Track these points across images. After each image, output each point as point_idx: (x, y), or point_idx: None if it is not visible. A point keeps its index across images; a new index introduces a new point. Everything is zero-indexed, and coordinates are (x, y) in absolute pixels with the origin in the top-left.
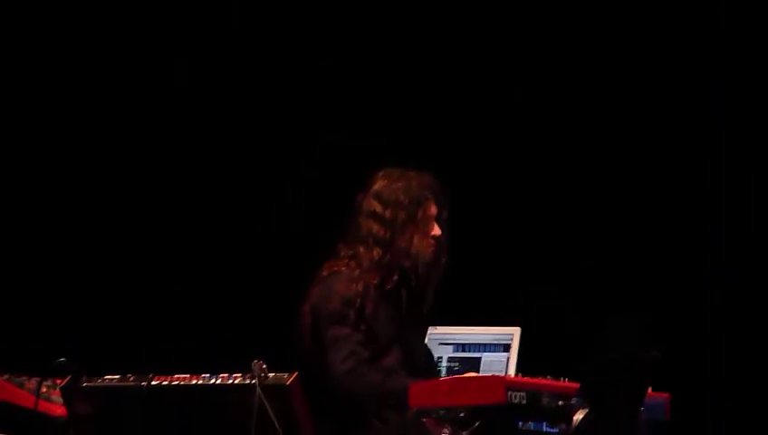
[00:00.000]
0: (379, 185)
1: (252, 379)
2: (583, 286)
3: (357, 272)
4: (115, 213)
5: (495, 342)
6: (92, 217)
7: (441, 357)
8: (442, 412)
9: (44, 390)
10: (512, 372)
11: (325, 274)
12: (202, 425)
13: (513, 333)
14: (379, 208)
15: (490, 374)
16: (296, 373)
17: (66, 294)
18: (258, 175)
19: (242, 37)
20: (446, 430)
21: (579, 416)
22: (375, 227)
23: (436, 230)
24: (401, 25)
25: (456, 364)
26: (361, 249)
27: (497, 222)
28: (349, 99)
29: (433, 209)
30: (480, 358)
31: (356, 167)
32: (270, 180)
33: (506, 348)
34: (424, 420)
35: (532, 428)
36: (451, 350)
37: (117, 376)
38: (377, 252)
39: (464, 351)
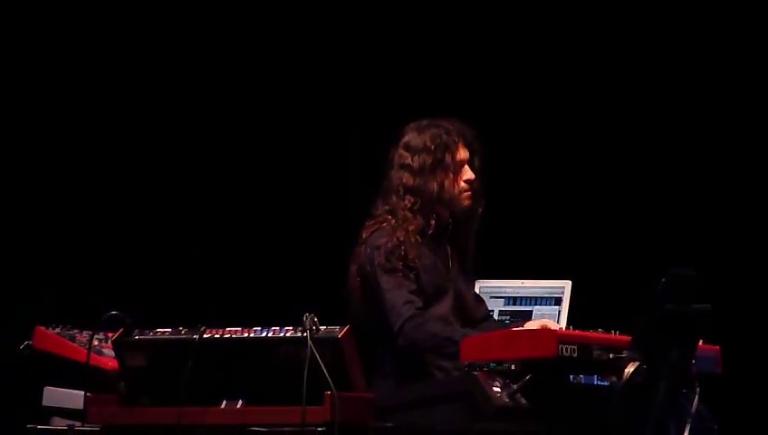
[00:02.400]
0: (407, 136)
1: (303, 332)
2: (634, 239)
3: (394, 223)
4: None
5: (547, 295)
6: (144, 182)
7: (492, 310)
8: (493, 365)
9: (96, 343)
10: (563, 324)
11: (365, 235)
12: (253, 378)
13: (565, 286)
14: (407, 158)
15: (541, 326)
16: (348, 327)
17: (119, 248)
18: (313, 137)
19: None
20: (497, 383)
21: (630, 369)
22: (405, 177)
23: (469, 174)
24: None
25: (508, 317)
26: (395, 199)
27: (550, 175)
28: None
29: (463, 153)
30: (531, 311)
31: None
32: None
33: (558, 301)
34: (475, 372)
35: (582, 381)
36: (502, 303)
37: (168, 329)
38: (409, 200)
39: (515, 304)
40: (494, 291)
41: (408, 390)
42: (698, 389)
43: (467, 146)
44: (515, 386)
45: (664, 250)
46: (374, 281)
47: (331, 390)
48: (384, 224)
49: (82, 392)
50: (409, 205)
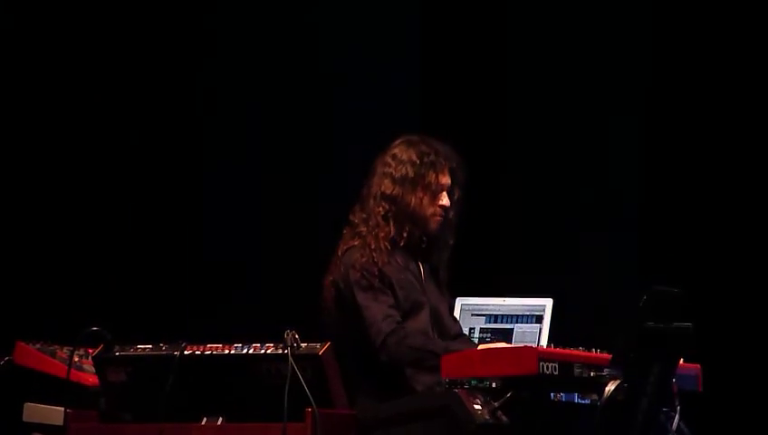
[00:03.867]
0: (396, 148)
1: (284, 348)
2: (616, 257)
3: (366, 231)
4: (149, 185)
5: (528, 313)
6: (122, 189)
7: (473, 328)
8: (474, 382)
9: (77, 359)
10: (544, 342)
11: (340, 249)
12: (234, 395)
13: (546, 304)
14: (391, 167)
15: (522, 345)
16: (329, 343)
17: (98, 263)
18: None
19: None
20: (478, 400)
21: (611, 387)
22: (385, 184)
23: (445, 200)
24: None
25: (489, 335)
26: (371, 204)
27: (531, 194)
28: None
29: (446, 179)
30: (512, 329)
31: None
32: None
33: (539, 319)
34: (457, 390)
35: (563, 399)
36: (483, 321)
37: (149, 345)
38: (383, 207)
39: (496, 322)
40: (476, 308)
41: (390, 406)
42: (679, 407)
43: (451, 173)
44: (496, 403)
45: (646, 268)
46: (351, 298)
47: (312, 407)
48: (357, 241)
49: (63, 408)
50: (383, 212)
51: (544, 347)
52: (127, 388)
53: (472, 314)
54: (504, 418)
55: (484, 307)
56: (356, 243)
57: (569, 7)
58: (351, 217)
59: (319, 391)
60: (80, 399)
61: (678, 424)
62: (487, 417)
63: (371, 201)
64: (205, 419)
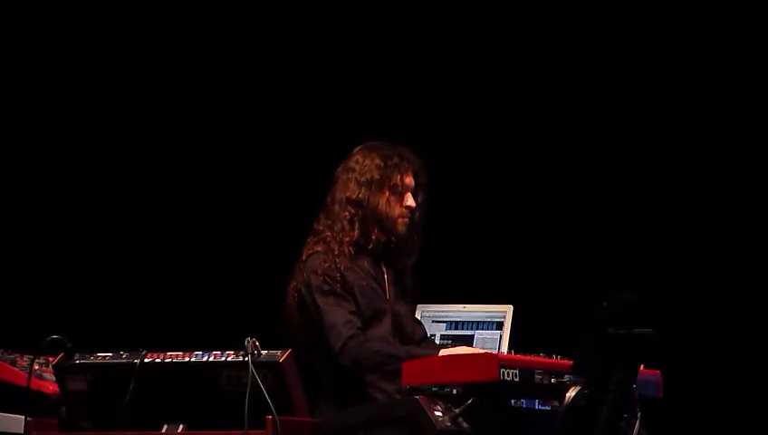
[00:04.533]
0: (358, 154)
1: (245, 355)
2: (575, 263)
3: (331, 237)
4: (110, 195)
5: (488, 319)
6: (85, 198)
7: (434, 334)
8: (435, 389)
9: (37, 367)
10: (504, 349)
11: (305, 254)
12: (195, 402)
13: (506, 311)
14: (355, 171)
15: (483, 351)
16: (290, 350)
17: (58, 271)
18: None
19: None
20: (439, 407)
21: (571, 393)
22: (350, 188)
23: (410, 201)
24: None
25: (449, 342)
26: (336, 210)
27: (490, 199)
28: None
29: (410, 180)
30: (473, 335)
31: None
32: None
33: (499, 326)
34: (417, 397)
35: (524, 405)
36: (444, 327)
37: (109, 353)
38: (349, 211)
39: (456, 328)
40: (436, 315)
41: (351, 413)
42: (640, 413)
43: (415, 175)
44: (457, 410)
45: (605, 274)
46: (312, 304)
47: (272, 414)
48: (320, 246)
49: (23, 417)
50: (349, 216)
51: (505, 354)
52: (87, 396)
53: (433, 321)
54: (466, 424)
55: (444, 314)
56: (319, 248)
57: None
58: (315, 226)
59: (280, 399)
60: (40, 407)
61: (639, 430)
62: (448, 424)
63: (336, 207)
64: (165, 426)
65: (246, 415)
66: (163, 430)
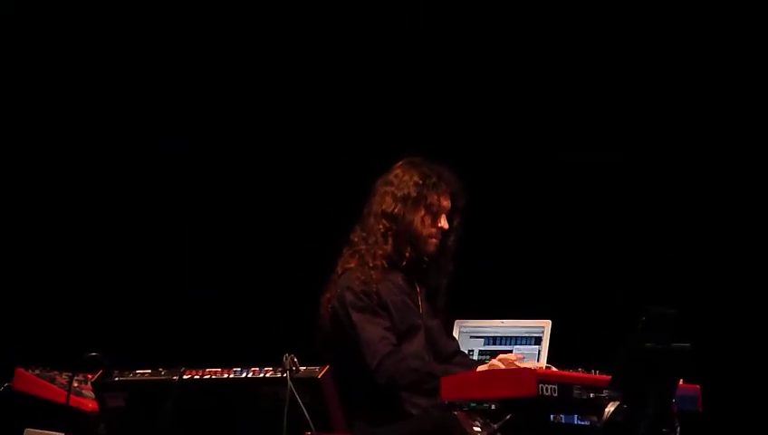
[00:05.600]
0: (398, 169)
1: (283, 372)
2: (615, 279)
3: (366, 251)
4: (146, 208)
5: (526, 334)
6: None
7: (472, 350)
8: (473, 405)
9: (76, 384)
10: (543, 364)
11: (340, 268)
12: (233, 419)
13: (544, 326)
14: (393, 185)
15: (522, 367)
16: (327, 367)
17: (96, 289)
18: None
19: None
20: (477, 423)
21: (610, 408)
22: (386, 202)
23: (444, 223)
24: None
25: (487, 358)
26: (371, 222)
27: (529, 215)
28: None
29: (446, 202)
30: (511, 351)
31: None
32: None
33: (537, 341)
34: (455, 412)
35: (563, 420)
36: (482, 343)
37: (148, 370)
38: (384, 225)
39: (495, 344)
40: (474, 331)
41: (388, 429)
42: (679, 428)
43: (452, 198)
44: (495, 426)
45: (644, 289)
46: (346, 319)
47: (310, 430)
48: (355, 261)
49: (62, 434)
50: (383, 229)
51: (543, 369)
52: (126, 413)
53: (471, 337)
54: None
55: (482, 329)
56: (353, 264)
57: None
58: (351, 237)
59: (317, 415)
60: (79, 424)
61: None
62: None
63: (371, 219)
64: None
65: (284, 431)
66: None
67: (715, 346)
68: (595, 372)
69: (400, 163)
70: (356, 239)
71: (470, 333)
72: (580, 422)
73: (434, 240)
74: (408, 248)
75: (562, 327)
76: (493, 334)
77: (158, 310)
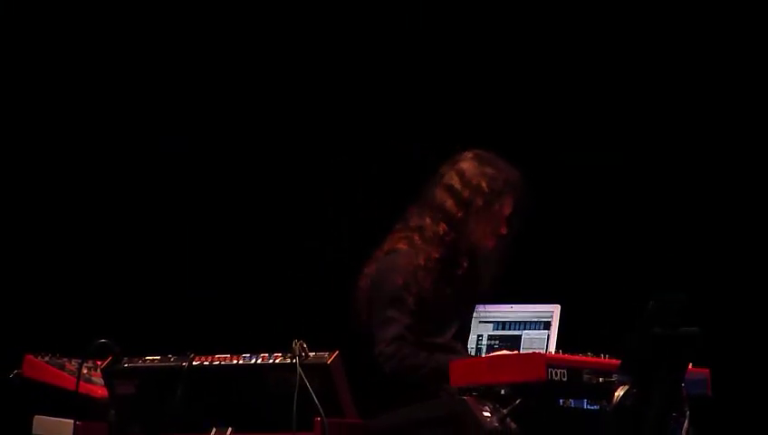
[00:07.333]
0: (466, 163)
1: (292, 358)
2: (623, 262)
3: (419, 244)
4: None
5: (535, 319)
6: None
7: (481, 335)
8: (482, 389)
9: (85, 371)
10: (552, 349)
11: (388, 245)
12: (243, 404)
13: (554, 311)
14: (458, 185)
15: (530, 351)
16: (337, 352)
17: (105, 275)
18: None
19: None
20: (486, 408)
21: (619, 392)
22: (449, 203)
23: (503, 230)
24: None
25: (497, 342)
26: (429, 221)
27: (539, 199)
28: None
29: (509, 209)
30: (520, 335)
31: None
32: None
33: (546, 325)
34: (465, 397)
35: (572, 405)
36: (491, 328)
37: (157, 357)
38: (443, 228)
39: (504, 329)
40: (483, 316)
41: (399, 414)
42: (688, 412)
43: (516, 203)
44: (505, 410)
45: (653, 273)
46: (378, 306)
47: (320, 416)
48: (404, 246)
49: (72, 421)
50: (441, 233)
51: (553, 353)
52: (136, 400)
53: (480, 322)
54: (513, 425)
55: (491, 314)
56: (403, 246)
57: None
58: (408, 217)
59: (327, 401)
60: (89, 411)
61: (688, 429)
62: (496, 424)
63: (430, 213)
64: (214, 429)
65: (294, 417)
66: (212, 434)
67: (726, 330)
68: (604, 357)
69: (470, 156)
70: (411, 224)
71: (479, 318)
72: (589, 407)
73: (492, 246)
74: (466, 259)
75: (572, 311)
76: (502, 319)
77: (167, 297)
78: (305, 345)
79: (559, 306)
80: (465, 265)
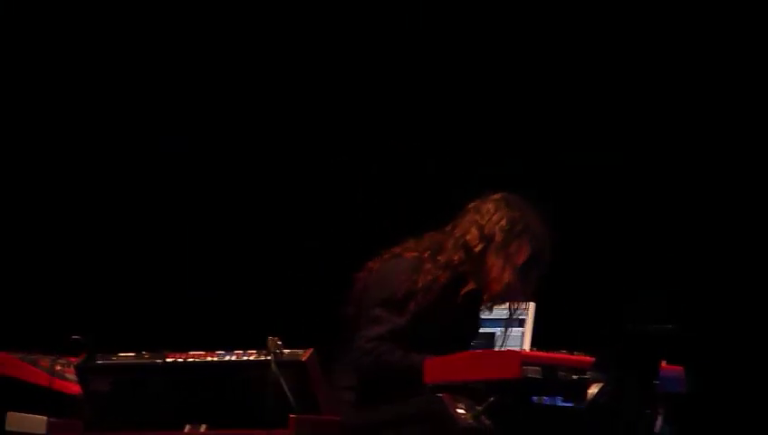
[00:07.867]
0: (495, 203)
1: (267, 355)
2: (598, 260)
3: (428, 275)
4: (133, 193)
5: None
6: (105, 196)
7: None
8: (458, 387)
9: (59, 368)
10: (526, 346)
11: (400, 249)
12: (217, 402)
13: (528, 308)
14: (483, 220)
15: (505, 349)
16: (311, 350)
17: (78, 271)
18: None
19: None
20: (461, 405)
21: (594, 390)
22: (472, 233)
23: (515, 277)
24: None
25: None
26: (450, 243)
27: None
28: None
29: (525, 252)
30: (494, 333)
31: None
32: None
33: (521, 323)
34: (440, 395)
35: (546, 402)
36: None
37: (131, 353)
38: (459, 255)
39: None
40: None
41: (374, 411)
42: (662, 409)
43: (533, 250)
44: (480, 407)
45: (628, 271)
46: (369, 304)
47: (295, 413)
48: (413, 255)
49: (46, 417)
50: (457, 260)
51: (527, 351)
52: (110, 397)
53: None
54: (488, 422)
55: None
56: (411, 255)
57: None
58: (425, 236)
59: (303, 398)
60: (63, 407)
61: (662, 427)
62: (471, 421)
63: (451, 241)
64: (188, 426)
65: (269, 414)
66: (185, 430)
67: (701, 327)
68: (578, 354)
69: (497, 197)
70: (427, 243)
71: None
72: (563, 404)
73: (498, 289)
74: (470, 286)
75: (546, 309)
76: None
77: (142, 293)
78: (280, 342)
79: (533, 304)
80: (466, 297)
